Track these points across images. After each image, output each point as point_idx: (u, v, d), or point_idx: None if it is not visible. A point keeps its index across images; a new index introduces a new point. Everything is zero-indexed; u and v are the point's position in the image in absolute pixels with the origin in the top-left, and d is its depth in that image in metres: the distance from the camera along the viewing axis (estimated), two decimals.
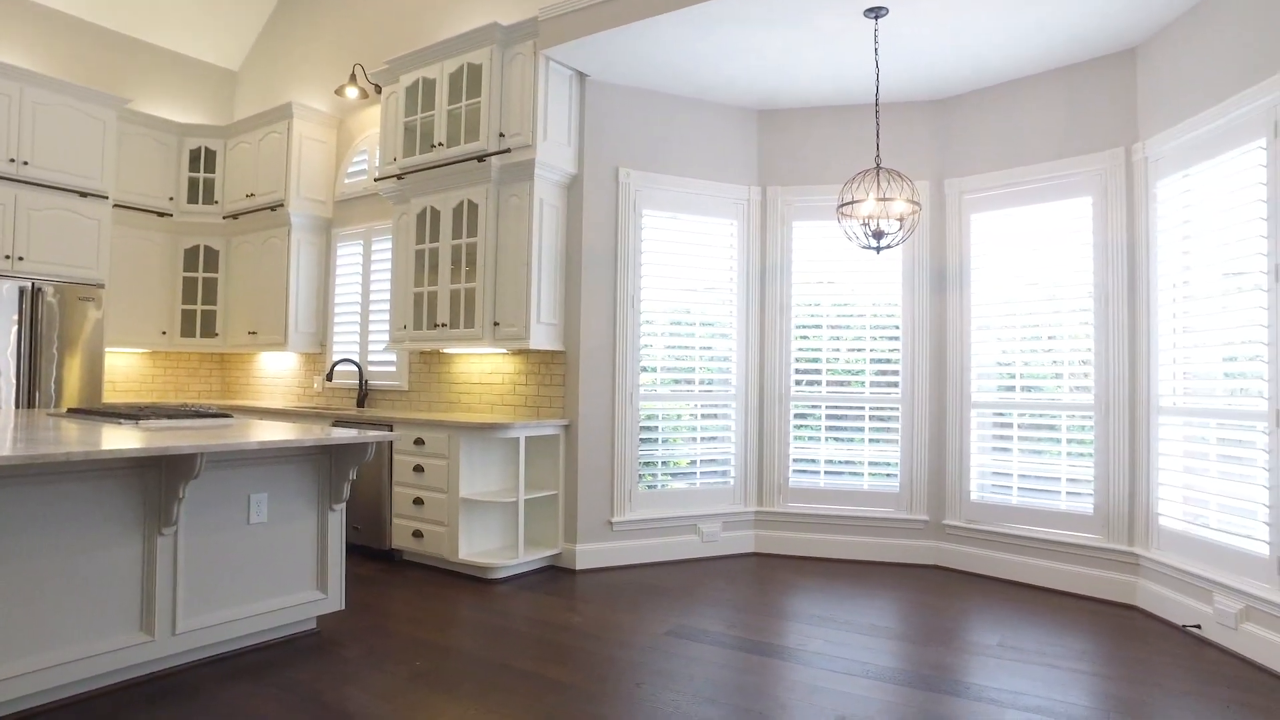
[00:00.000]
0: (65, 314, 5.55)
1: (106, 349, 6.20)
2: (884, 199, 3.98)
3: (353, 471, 3.38)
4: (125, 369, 6.54)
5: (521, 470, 4.50)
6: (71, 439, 2.71)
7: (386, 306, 5.77)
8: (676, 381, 5.10)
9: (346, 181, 6.21)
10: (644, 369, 4.97)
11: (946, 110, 4.97)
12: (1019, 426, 4.60)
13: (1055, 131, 4.50)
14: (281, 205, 6.03)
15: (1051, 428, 4.49)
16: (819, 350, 5.20)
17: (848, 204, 4.04)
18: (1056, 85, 4.51)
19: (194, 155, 6.59)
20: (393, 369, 5.74)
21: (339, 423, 5.06)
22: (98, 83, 6.47)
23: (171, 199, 6.47)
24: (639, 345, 4.94)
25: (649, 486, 4.97)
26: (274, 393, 6.64)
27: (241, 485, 3.10)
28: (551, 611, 3.87)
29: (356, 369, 5.96)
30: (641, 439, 4.94)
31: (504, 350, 5.00)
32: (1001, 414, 4.68)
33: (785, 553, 5.15)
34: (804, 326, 5.23)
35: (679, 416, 5.12)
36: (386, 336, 5.75)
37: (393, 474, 4.79)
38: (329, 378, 5.79)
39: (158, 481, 2.82)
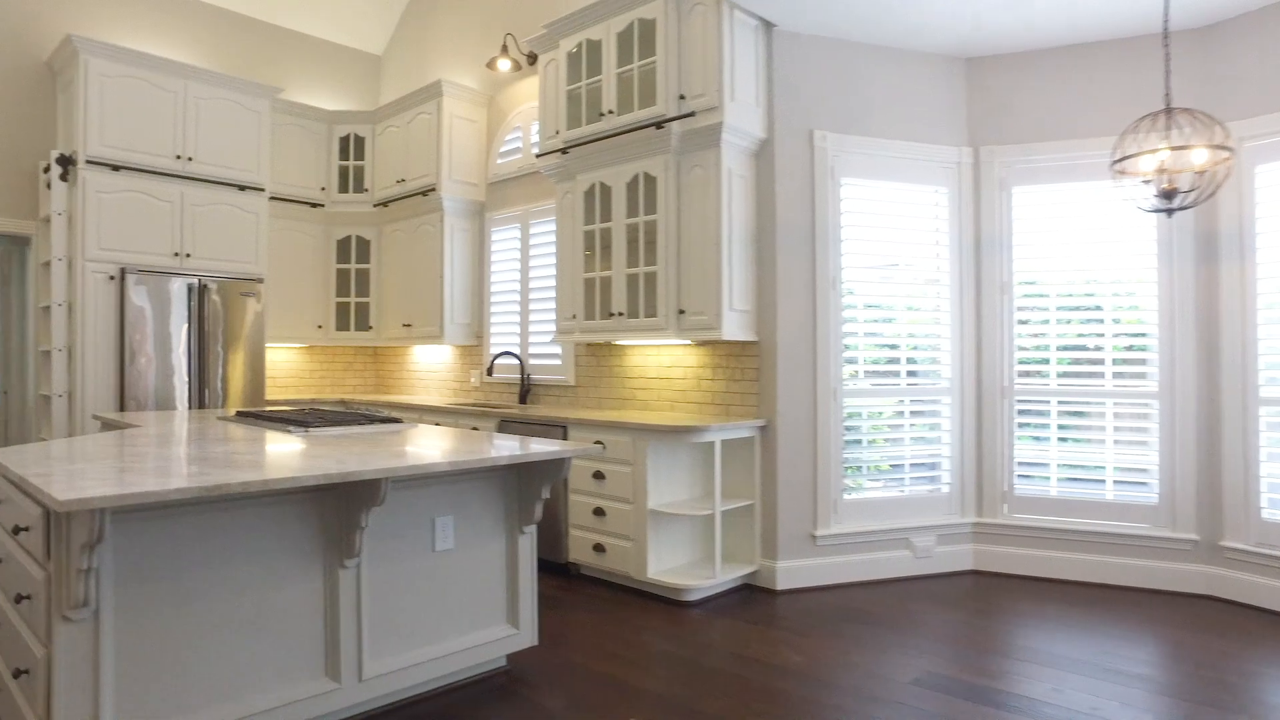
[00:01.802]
0: (229, 310, 5.43)
1: (266, 344, 6.09)
2: (1178, 147, 3.18)
3: (546, 489, 2.94)
4: (284, 364, 6.44)
5: (718, 478, 3.97)
6: (243, 457, 2.35)
7: (547, 295, 5.35)
8: (880, 374, 4.43)
9: (499, 162, 5.83)
10: (847, 360, 4.33)
11: (1217, 38, 4.05)
12: None
13: None
14: (433, 189, 5.72)
15: None
16: (1046, 335, 4.41)
17: (1127, 158, 3.26)
18: None
19: (343, 143, 6.38)
20: (557, 362, 5.33)
21: (505, 422, 4.68)
22: (248, 74, 6.35)
23: (323, 189, 6.28)
24: (841, 333, 4.30)
25: (853, 494, 4.34)
26: (429, 387, 6.40)
27: (424, 507, 2.69)
28: (763, 645, 3.33)
29: (518, 362, 5.59)
30: (844, 440, 4.32)
31: (687, 341, 4.48)
32: None
33: (1010, 571, 4.42)
34: (1029, 308, 4.45)
35: (881, 414, 4.46)
36: (548, 327, 5.35)
37: (568, 480, 4.37)
38: (489, 372, 5.44)
39: (337, 507, 2.43)
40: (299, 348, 6.52)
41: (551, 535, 4.43)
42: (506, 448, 2.75)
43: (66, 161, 4.94)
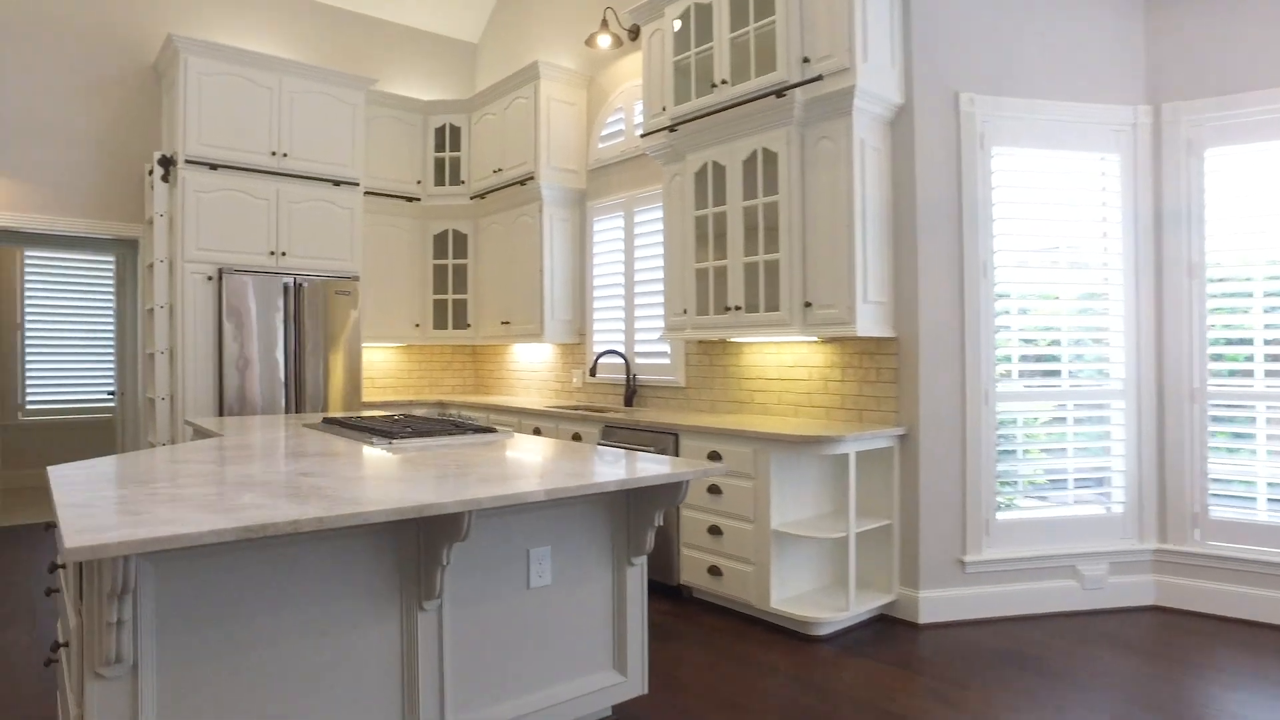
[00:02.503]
0: (324, 310, 5.27)
1: (363, 345, 5.94)
2: None
3: (659, 515, 2.52)
4: (382, 364, 6.29)
5: (852, 496, 3.46)
6: (310, 480, 2.02)
7: (654, 289, 4.94)
8: (1036, 373, 3.81)
9: (600, 147, 5.45)
10: (999, 358, 3.73)
11: None
12: None
13: None
14: (531, 178, 5.39)
15: None
16: (1249, 326, 3.67)
17: None
18: None
19: (439, 134, 6.15)
20: (665, 361, 4.92)
21: (611, 428, 4.30)
22: (342, 66, 6.20)
23: (419, 182, 6.07)
24: (993, 327, 3.70)
25: (1008, 514, 3.74)
26: (529, 388, 6.11)
27: (518, 536, 2.32)
28: (911, 698, 2.81)
29: (623, 362, 5.21)
30: (997, 450, 3.72)
31: (813, 338, 3.98)
32: None
33: (1203, 609, 3.71)
34: (1226, 294, 3.72)
35: (1036, 419, 3.83)
36: (655, 323, 4.94)
37: None
38: (591, 372, 5.08)
39: (416, 541, 2.08)
40: (396, 347, 6.35)
41: (662, 554, 4.02)
42: (613, 470, 2.35)
43: (168, 162, 4.87)
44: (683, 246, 4.26)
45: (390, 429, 3.07)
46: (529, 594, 2.34)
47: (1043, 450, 3.81)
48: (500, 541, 2.28)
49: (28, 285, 7.16)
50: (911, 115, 3.66)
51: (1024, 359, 3.79)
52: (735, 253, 3.95)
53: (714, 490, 3.73)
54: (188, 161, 4.83)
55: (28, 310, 7.14)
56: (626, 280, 5.18)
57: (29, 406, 7.15)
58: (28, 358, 7.14)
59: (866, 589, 3.71)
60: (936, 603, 3.60)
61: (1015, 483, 3.77)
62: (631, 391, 5.05)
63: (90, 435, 7.38)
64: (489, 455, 2.62)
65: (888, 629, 3.53)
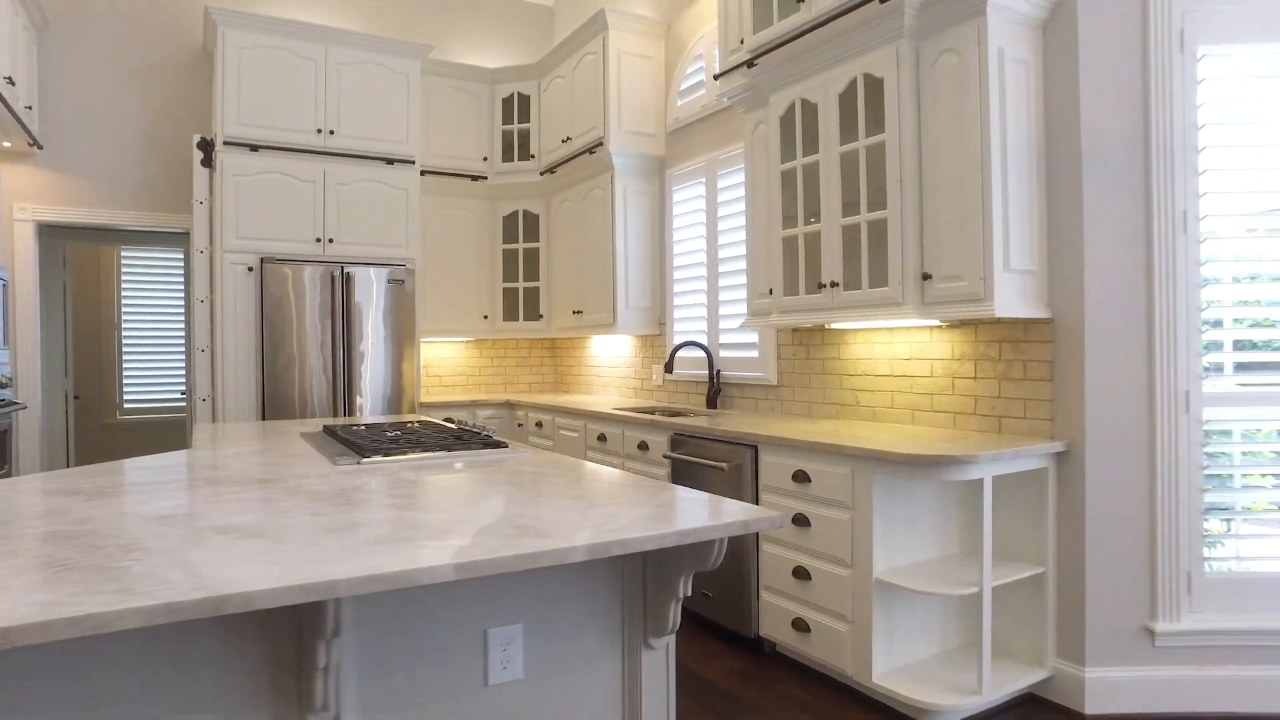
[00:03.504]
0: (376, 302, 4.77)
1: (421, 339, 5.43)
2: None
3: (686, 581, 1.72)
4: (450, 361, 5.77)
5: (987, 535, 2.53)
6: (146, 542, 1.37)
7: (739, 267, 4.11)
8: (1258, 367, 2.71)
9: (680, 104, 4.66)
10: (1205, 346, 2.67)
11: None
12: None
13: None
14: (600, 144, 4.68)
15: None
16: None
17: None
18: None
19: (506, 104, 5.55)
20: (753, 354, 4.09)
21: (680, 437, 3.52)
22: (396, 34, 5.70)
23: (485, 159, 5.49)
24: (1197, 304, 2.65)
25: (1221, 563, 2.68)
26: (608, 385, 5.42)
27: (470, 611, 1.58)
28: None
29: (705, 355, 4.42)
30: (1203, 474, 2.66)
31: (934, 322, 3.04)
32: None
33: None
34: None
35: (1259, 432, 2.74)
36: (741, 309, 4.11)
37: None
38: (668, 369, 4.31)
39: (293, 633, 1.39)
40: (465, 342, 5.81)
41: (735, 594, 3.21)
42: (598, 525, 1.58)
43: (207, 146, 4.50)
44: (767, 210, 3.42)
45: (372, 442, 2.44)
46: (487, 694, 1.61)
47: (1273, 476, 2.72)
48: (440, 619, 1.56)
49: (124, 284, 7.17)
50: (1074, 9, 2.66)
51: (1241, 347, 2.70)
52: (830, 214, 3.07)
53: (801, 521, 2.88)
54: (226, 143, 4.44)
55: (124, 309, 7.15)
56: (709, 259, 4.38)
57: (126, 406, 7.16)
58: (124, 357, 7.15)
59: (1007, 660, 2.75)
60: (1111, 686, 2.60)
61: (1231, 520, 2.70)
62: (715, 391, 4.25)
63: (175, 435, 7.33)
64: (454, 485, 1.91)
65: (1035, 715, 2.58)
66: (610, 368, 5.39)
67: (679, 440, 3.53)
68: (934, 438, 2.77)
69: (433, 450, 2.34)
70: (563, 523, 1.51)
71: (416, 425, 3.05)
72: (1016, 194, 2.65)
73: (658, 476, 3.69)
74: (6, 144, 4.44)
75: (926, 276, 2.75)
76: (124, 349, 7.15)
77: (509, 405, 5.32)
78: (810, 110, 3.18)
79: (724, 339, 4.28)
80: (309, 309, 4.57)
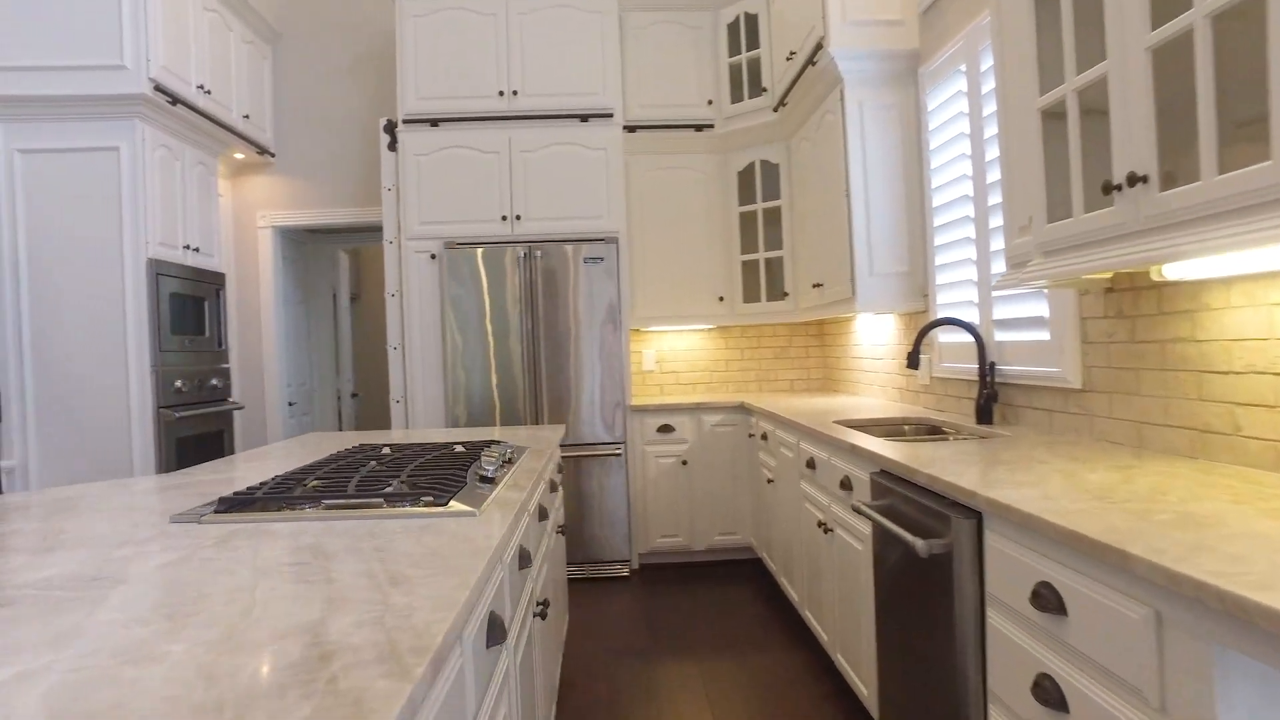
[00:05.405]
0: (572, 283, 4.03)
1: (638, 327, 4.55)
2: None
3: None
4: (687, 353, 4.80)
5: None
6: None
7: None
8: None
9: None
10: None
11: None
12: None
13: None
14: (820, 48, 3.34)
15: None
16: None
17: None
18: None
19: (732, 31, 4.43)
20: (1042, 334, 2.48)
21: (884, 478, 2.14)
22: None
23: (710, 102, 4.43)
24: None
25: None
26: (873, 384, 4.02)
27: None
28: None
29: (974, 341, 2.89)
30: None
31: None
32: None
33: None
34: None
35: None
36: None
37: (984, 579, 1.64)
38: (912, 362, 2.86)
39: None
40: (704, 330, 4.79)
41: (950, 700, 1.77)
42: None
43: (391, 128, 4.16)
44: (1025, 91, 1.89)
45: (289, 482, 1.62)
46: None
47: None
48: None
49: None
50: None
51: None
52: (1126, 42, 1.49)
53: (1044, 599, 1.39)
54: (405, 121, 4.05)
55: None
56: (976, 188, 2.82)
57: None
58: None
59: None
60: None
61: None
62: (989, 395, 2.69)
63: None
64: (194, 579, 0.98)
65: None
66: (875, 359, 3.97)
67: (880, 487, 2.15)
68: None
69: (349, 504, 1.45)
70: None
71: (459, 449, 2.18)
72: None
73: (856, 547, 2.35)
74: (239, 156, 4.57)
75: None
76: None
77: (743, 410, 4.21)
78: None
79: (998, 312, 2.70)
80: (496, 297, 3.99)
